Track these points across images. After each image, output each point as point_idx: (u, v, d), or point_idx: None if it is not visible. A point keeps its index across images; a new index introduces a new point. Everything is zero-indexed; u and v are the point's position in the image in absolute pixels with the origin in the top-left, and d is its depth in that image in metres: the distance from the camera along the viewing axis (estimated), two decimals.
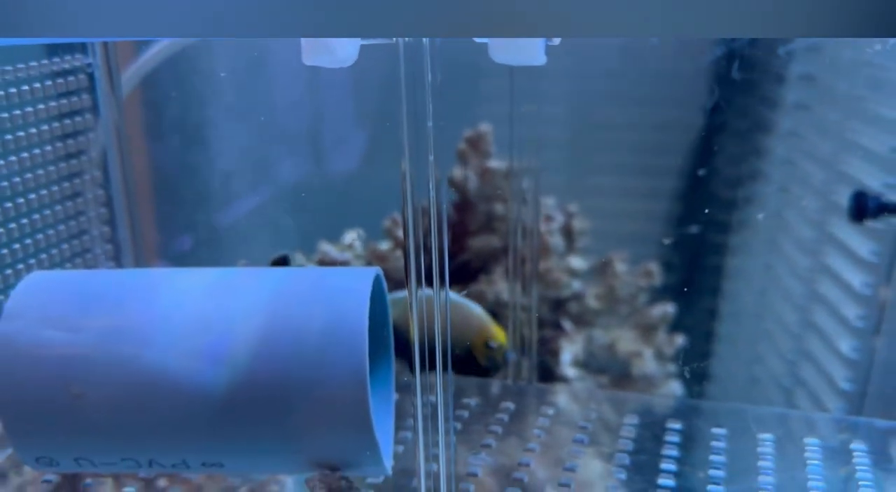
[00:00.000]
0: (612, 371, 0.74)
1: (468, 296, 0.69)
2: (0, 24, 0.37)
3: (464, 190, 0.72)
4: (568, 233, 0.76)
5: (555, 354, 0.74)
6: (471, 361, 0.65)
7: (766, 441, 0.55)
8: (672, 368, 0.76)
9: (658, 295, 0.78)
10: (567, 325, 0.75)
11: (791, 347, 0.78)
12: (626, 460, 0.52)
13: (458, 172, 0.73)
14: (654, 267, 0.76)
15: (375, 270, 0.48)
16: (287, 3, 0.35)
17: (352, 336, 0.44)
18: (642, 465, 0.52)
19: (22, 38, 0.38)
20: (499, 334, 0.66)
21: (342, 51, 0.41)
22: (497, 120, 0.73)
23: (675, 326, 0.77)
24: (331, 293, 0.46)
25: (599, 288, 0.76)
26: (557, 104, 0.79)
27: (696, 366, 0.85)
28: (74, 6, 0.36)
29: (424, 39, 0.40)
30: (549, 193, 0.75)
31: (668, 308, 0.76)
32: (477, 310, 0.67)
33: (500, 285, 0.73)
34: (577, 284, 0.75)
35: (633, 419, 0.57)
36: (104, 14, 0.35)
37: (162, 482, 0.53)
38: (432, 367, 0.45)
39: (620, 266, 0.76)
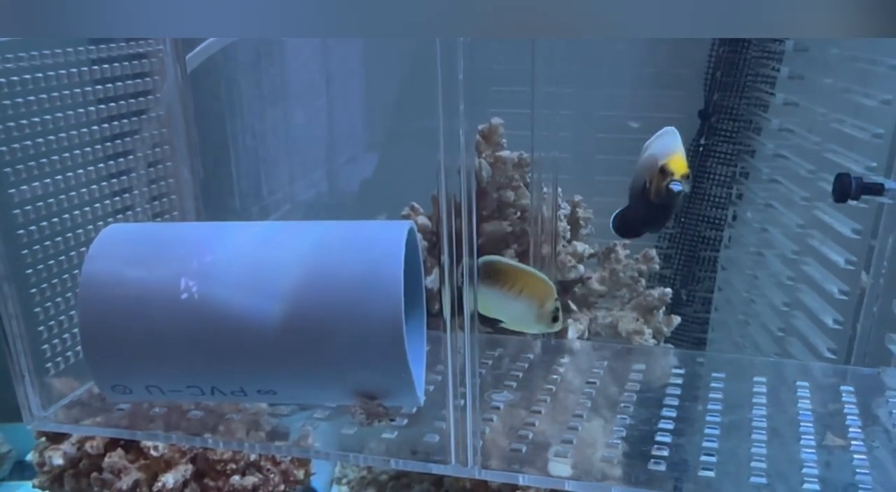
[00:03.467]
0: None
1: None
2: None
3: (478, 178, 0.79)
4: (573, 221, 0.83)
5: (562, 331, 0.80)
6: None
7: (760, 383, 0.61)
8: (670, 345, 0.81)
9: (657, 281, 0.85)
10: (573, 305, 0.82)
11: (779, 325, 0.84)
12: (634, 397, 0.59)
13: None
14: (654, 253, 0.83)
15: (409, 222, 0.54)
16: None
17: (388, 277, 0.48)
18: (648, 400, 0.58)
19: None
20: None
21: None
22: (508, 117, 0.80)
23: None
24: (369, 239, 0.51)
25: (603, 272, 0.82)
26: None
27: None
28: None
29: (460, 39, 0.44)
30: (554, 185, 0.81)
31: (666, 291, 0.82)
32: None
33: None
34: (581, 268, 0.81)
35: (639, 366, 0.64)
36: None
37: None
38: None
39: (622, 252, 0.82)
